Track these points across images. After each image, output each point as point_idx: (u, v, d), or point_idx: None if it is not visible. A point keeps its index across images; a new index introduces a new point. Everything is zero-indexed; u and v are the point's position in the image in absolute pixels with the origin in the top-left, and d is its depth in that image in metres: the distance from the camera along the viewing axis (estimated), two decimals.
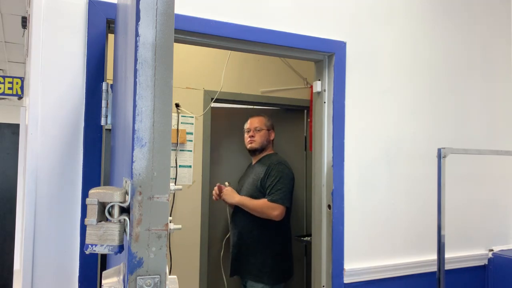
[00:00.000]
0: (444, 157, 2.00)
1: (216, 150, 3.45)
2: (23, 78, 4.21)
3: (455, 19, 2.47)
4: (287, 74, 3.56)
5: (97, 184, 1.57)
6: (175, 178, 3.12)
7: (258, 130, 2.85)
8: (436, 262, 2.02)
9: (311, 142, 2.56)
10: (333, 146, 2.05)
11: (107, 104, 1.57)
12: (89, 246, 0.71)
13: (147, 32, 0.70)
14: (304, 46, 2.00)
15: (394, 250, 2.21)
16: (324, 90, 2.12)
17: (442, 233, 1.97)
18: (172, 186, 0.87)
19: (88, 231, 0.71)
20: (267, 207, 2.61)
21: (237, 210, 2.80)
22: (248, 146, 2.88)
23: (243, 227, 2.77)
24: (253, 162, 2.93)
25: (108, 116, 1.57)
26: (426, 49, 2.36)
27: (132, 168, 0.68)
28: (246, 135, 2.90)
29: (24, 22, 3.49)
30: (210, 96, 3.27)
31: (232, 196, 2.75)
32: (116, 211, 0.71)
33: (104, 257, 1.75)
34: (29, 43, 1.93)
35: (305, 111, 3.70)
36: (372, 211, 2.16)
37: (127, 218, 0.70)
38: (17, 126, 4.48)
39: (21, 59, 5.49)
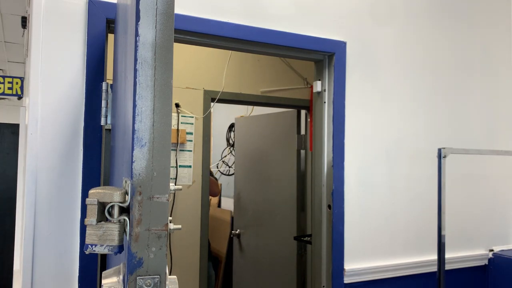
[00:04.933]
0: (444, 157, 2.00)
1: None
2: (23, 78, 4.21)
3: (455, 19, 2.46)
4: (287, 74, 3.55)
5: (97, 184, 1.57)
6: (175, 178, 3.12)
7: None
8: (436, 262, 2.02)
9: (311, 142, 2.56)
10: (333, 146, 2.05)
11: (107, 104, 1.56)
12: (89, 246, 0.70)
13: (147, 32, 0.70)
14: (304, 46, 2.00)
15: (394, 250, 2.20)
16: (324, 90, 2.12)
17: (442, 233, 1.97)
18: (172, 186, 0.87)
19: (88, 231, 0.70)
20: (216, 183, 3.47)
21: None
22: None
23: None
24: None
25: (108, 116, 1.56)
26: (426, 48, 2.36)
27: (132, 168, 0.68)
28: None
29: (24, 22, 3.48)
30: (210, 96, 3.26)
31: None
32: (116, 211, 0.71)
33: (104, 257, 1.75)
34: (29, 43, 1.93)
35: (305, 111, 3.69)
36: (372, 211, 2.16)
37: (127, 218, 0.70)
38: (17, 126, 4.48)
39: (21, 59, 5.48)
